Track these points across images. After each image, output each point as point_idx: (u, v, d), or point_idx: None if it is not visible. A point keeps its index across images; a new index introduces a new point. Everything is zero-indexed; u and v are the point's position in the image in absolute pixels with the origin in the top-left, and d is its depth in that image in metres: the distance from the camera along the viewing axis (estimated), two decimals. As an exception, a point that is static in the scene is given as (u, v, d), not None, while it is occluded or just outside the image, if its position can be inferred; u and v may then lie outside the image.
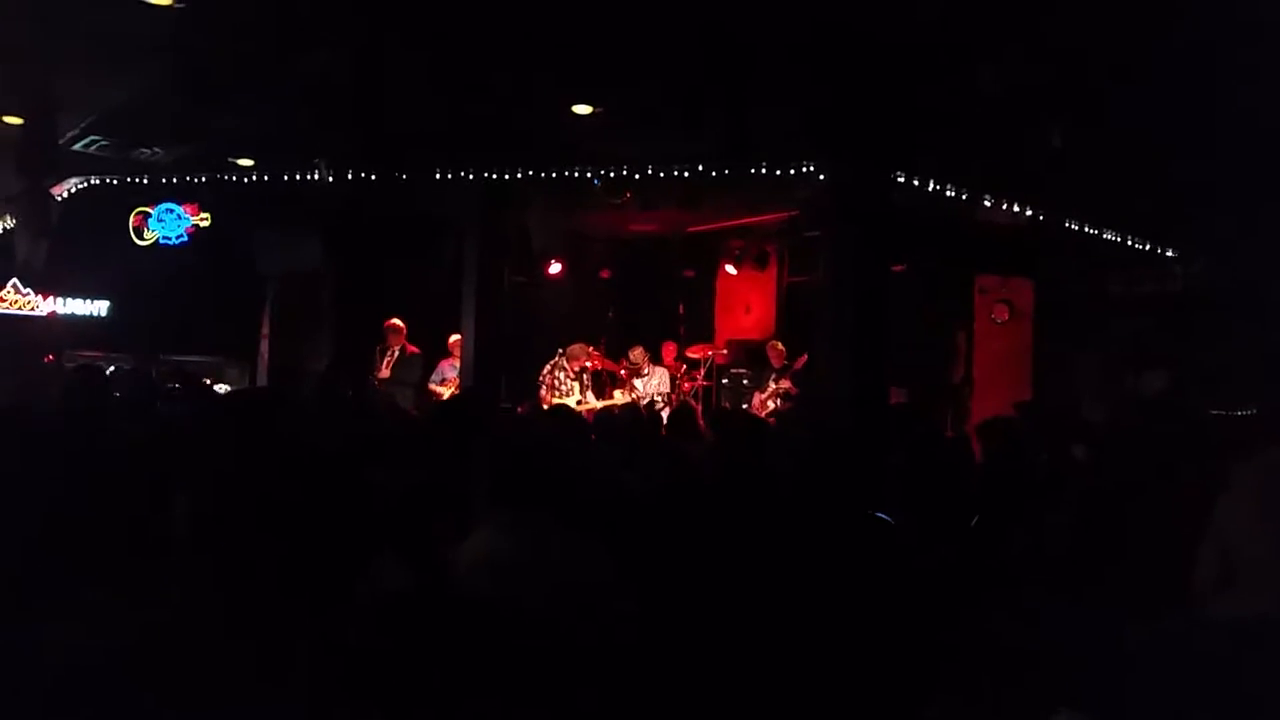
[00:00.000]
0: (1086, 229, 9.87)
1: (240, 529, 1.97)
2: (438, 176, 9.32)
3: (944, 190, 8.51)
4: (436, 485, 3.14)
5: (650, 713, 2.34)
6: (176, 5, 6.26)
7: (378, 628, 1.88)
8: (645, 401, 10.44)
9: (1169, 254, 10.71)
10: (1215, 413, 8.66)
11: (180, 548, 2.13)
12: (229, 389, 10.24)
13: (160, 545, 2.22)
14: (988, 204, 8.97)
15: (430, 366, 10.46)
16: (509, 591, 2.38)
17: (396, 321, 10.22)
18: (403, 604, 1.97)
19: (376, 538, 2.61)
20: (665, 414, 8.99)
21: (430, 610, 2.00)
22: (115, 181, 10.35)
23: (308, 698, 1.69)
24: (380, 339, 10.22)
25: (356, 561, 2.01)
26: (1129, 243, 10.32)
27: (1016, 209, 9.16)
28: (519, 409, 8.30)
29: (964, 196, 8.72)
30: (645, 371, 10.85)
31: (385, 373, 10.12)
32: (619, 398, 10.67)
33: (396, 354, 10.20)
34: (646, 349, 11.03)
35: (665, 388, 10.77)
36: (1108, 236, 10.10)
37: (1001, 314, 11.11)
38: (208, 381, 10.32)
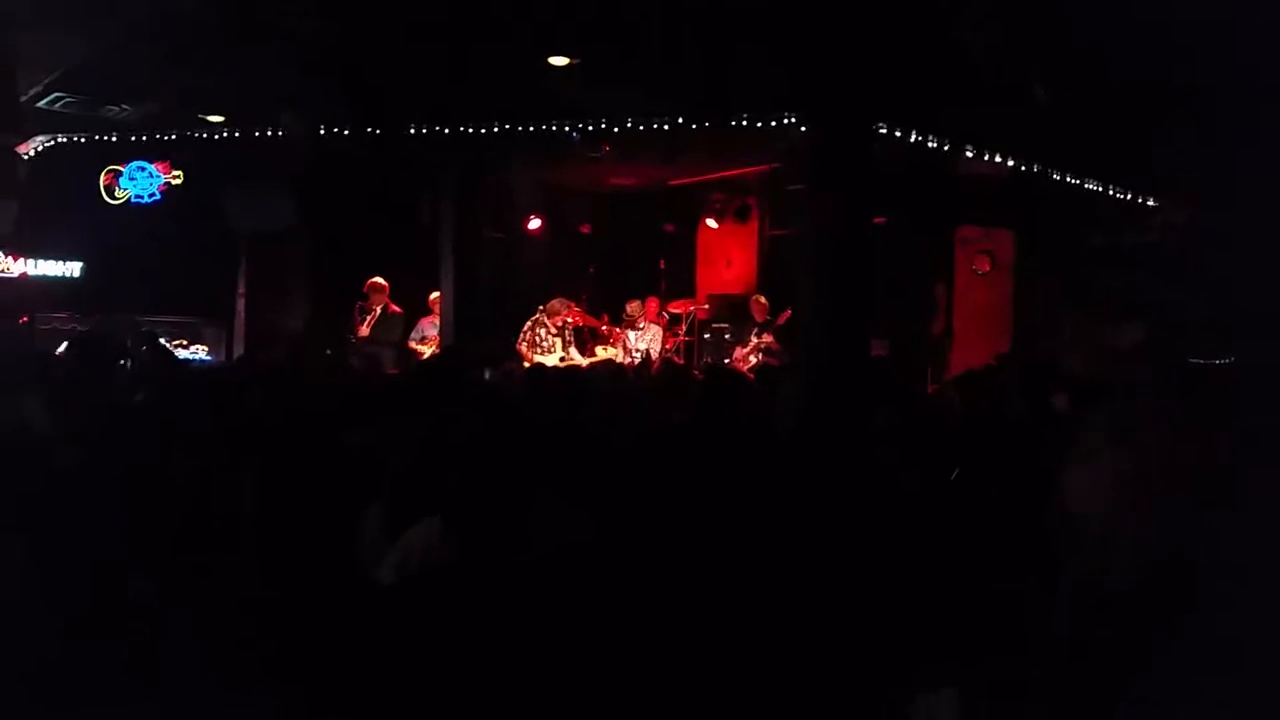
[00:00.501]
0: (1068, 179, 9.84)
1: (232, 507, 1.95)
2: (412, 131, 9.17)
3: (925, 141, 8.45)
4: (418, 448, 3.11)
5: (641, 680, 2.33)
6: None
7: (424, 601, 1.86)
8: (634, 357, 10.41)
9: (1150, 204, 10.71)
10: (1195, 361, 8.73)
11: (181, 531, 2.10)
12: (203, 361, 10.17)
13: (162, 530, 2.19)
14: (969, 155, 8.92)
15: (411, 325, 10.39)
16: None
17: (379, 280, 10.12)
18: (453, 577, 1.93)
19: (360, 503, 2.58)
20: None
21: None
22: (84, 140, 10.15)
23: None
24: (361, 297, 10.13)
25: (345, 527, 1.99)
26: (1111, 193, 10.30)
27: (998, 160, 9.12)
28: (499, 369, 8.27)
29: (945, 148, 8.67)
30: (640, 326, 10.82)
31: (365, 331, 10.04)
32: (603, 354, 10.65)
33: (378, 313, 10.12)
34: (640, 303, 11.01)
35: (656, 345, 10.74)
36: (1089, 187, 10.08)
37: (983, 265, 11.10)
38: (184, 343, 10.24)
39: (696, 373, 8.53)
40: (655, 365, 9.43)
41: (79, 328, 9.38)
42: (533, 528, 2.52)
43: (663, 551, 2.62)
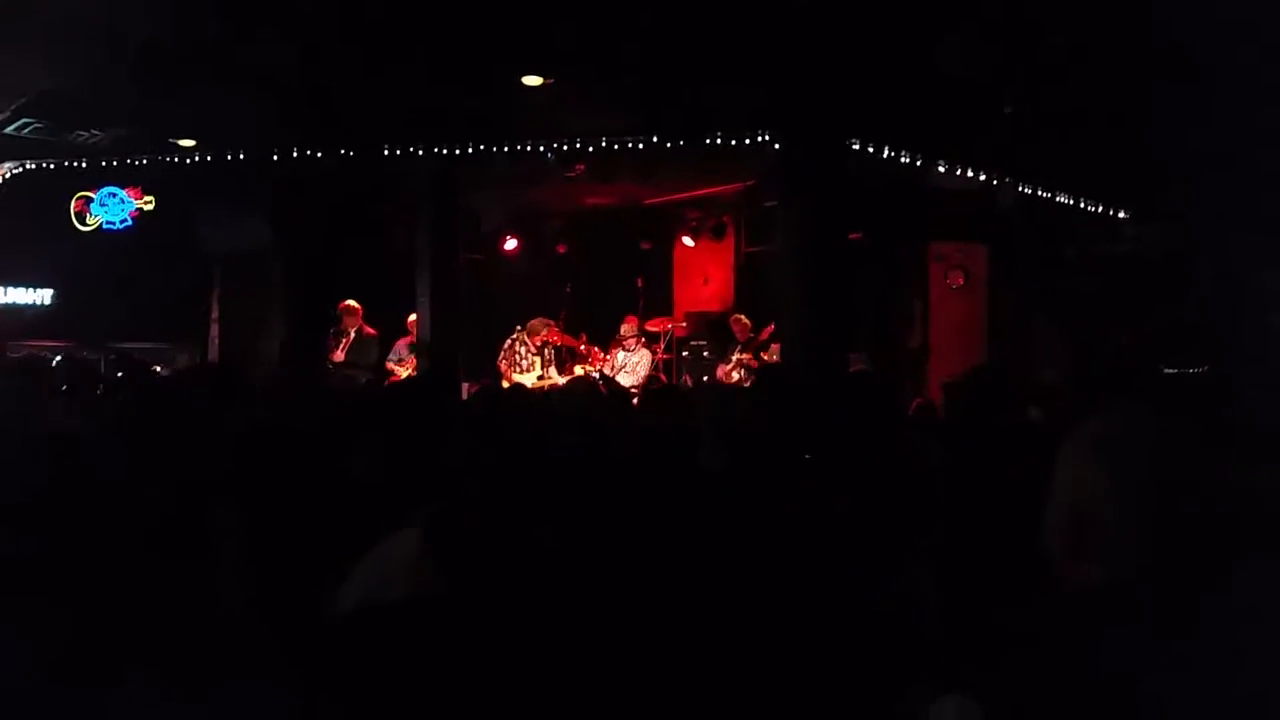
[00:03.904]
0: (1040, 193, 9.94)
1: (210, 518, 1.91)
2: (386, 153, 9.14)
3: (898, 157, 8.51)
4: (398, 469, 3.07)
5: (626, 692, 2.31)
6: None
7: None
8: (618, 376, 10.36)
9: (1121, 215, 10.83)
10: (1169, 372, 8.80)
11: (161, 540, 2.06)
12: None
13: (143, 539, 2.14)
14: (941, 170, 8.99)
15: (387, 347, 10.33)
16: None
17: (352, 303, 10.06)
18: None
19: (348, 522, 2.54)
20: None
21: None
22: (53, 165, 10.05)
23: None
24: (335, 321, 10.06)
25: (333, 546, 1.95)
26: (1082, 205, 10.41)
27: (970, 174, 9.20)
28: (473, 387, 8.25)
29: (918, 163, 8.73)
30: (631, 347, 10.79)
31: (340, 356, 9.97)
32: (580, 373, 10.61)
33: (353, 336, 10.05)
34: (618, 324, 11.00)
35: (644, 368, 10.65)
36: (1061, 200, 10.18)
37: (957, 279, 11.17)
38: (157, 368, 10.12)
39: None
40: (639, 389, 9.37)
41: (49, 355, 9.28)
42: (515, 547, 2.49)
43: (640, 569, 2.59)
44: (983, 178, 9.30)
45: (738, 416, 3.38)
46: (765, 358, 10.10)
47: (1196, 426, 1.38)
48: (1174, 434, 1.34)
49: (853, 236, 8.62)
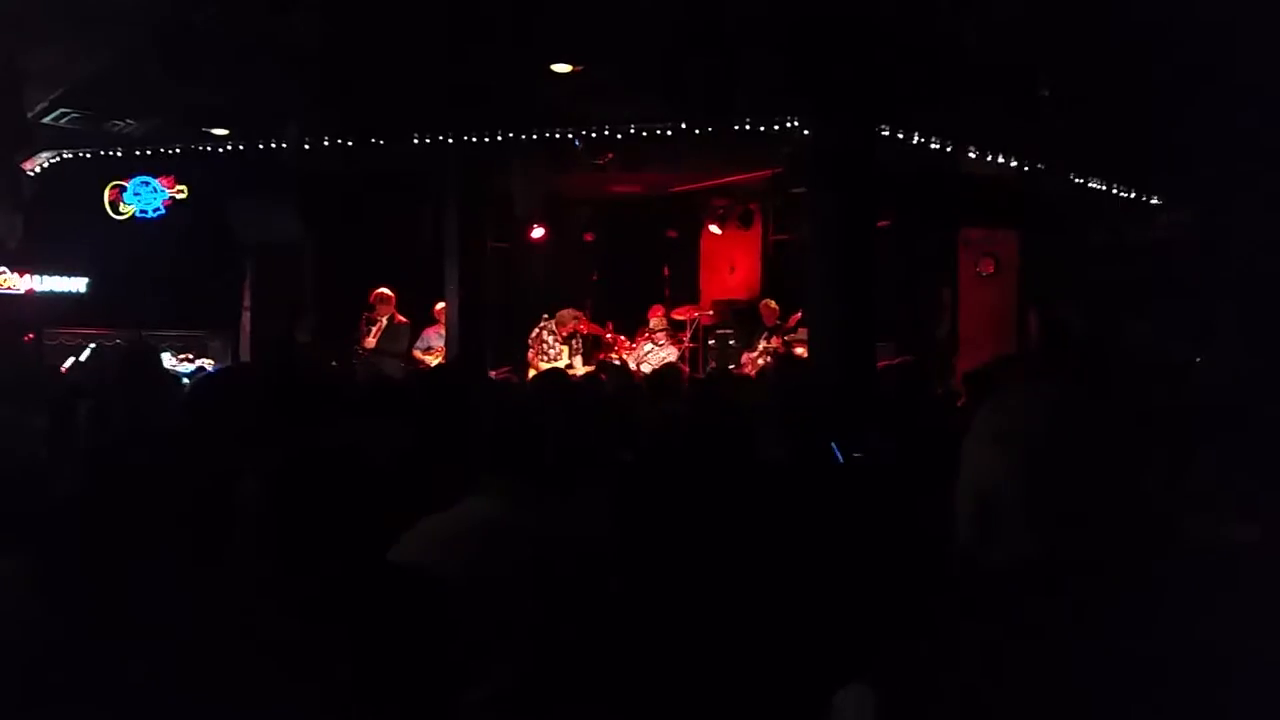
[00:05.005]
0: (1072, 179, 9.83)
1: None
2: (416, 141, 9.19)
3: (929, 143, 8.45)
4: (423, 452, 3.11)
5: (637, 680, 2.34)
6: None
7: None
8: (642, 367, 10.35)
9: (1154, 202, 10.70)
10: (1198, 360, 8.71)
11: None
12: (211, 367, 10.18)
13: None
14: (972, 156, 8.92)
15: (417, 335, 10.40)
16: (493, 559, 2.36)
17: (385, 290, 10.14)
18: None
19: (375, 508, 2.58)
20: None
21: None
22: (89, 155, 10.19)
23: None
24: (367, 308, 10.14)
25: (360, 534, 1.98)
26: (1114, 192, 10.29)
27: (1001, 160, 9.11)
28: (498, 373, 8.30)
29: (949, 149, 8.66)
30: (661, 342, 10.80)
31: (371, 342, 10.05)
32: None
33: (384, 323, 10.13)
34: (645, 312, 11.00)
35: (667, 357, 10.62)
36: (1093, 186, 10.07)
37: (986, 267, 11.09)
38: (189, 357, 10.25)
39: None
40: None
41: (85, 343, 9.42)
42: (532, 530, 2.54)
43: (659, 548, 2.63)
44: (1014, 163, 9.21)
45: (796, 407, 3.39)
46: (794, 345, 10.07)
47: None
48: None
49: (881, 224, 8.57)
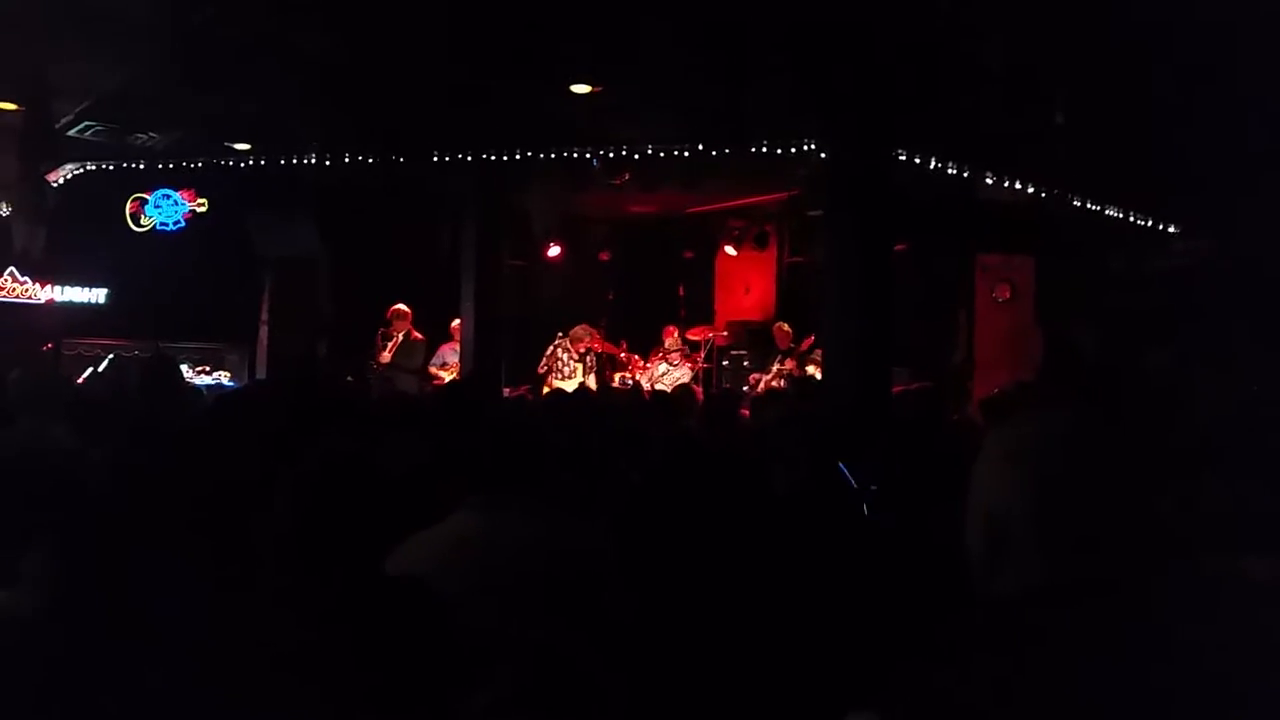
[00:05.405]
0: (1089, 205, 9.82)
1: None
2: (435, 158, 9.26)
3: (945, 168, 8.46)
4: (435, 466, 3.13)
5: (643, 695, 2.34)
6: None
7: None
8: (652, 384, 10.37)
9: (1171, 230, 10.67)
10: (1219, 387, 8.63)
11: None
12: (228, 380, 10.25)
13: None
14: (989, 181, 8.91)
15: (433, 351, 10.44)
16: (484, 574, 2.37)
17: (402, 307, 10.19)
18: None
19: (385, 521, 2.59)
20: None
21: None
22: (111, 167, 10.29)
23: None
24: (383, 324, 10.19)
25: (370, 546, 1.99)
26: (1131, 219, 10.27)
27: (1019, 186, 9.11)
28: (514, 392, 8.32)
29: (965, 174, 8.67)
30: (675, 362, 10.81)
31: (387, 357, 10.09)
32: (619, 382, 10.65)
33: (400, 339, 10.17)
34: (663, 334, 11.02)
35: (681, 378, 10.63)
36: (1110, 213, 10.05)
37: (1003, 293, 11.04)
38: (206, 369, 10.32)
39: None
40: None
41: (103, 354, 9.49)
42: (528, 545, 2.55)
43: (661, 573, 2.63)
44: (1031, 189, 9.20)
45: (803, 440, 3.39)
46: (809, 368, 10.06)
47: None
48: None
49: (897, 248, 8.57)
